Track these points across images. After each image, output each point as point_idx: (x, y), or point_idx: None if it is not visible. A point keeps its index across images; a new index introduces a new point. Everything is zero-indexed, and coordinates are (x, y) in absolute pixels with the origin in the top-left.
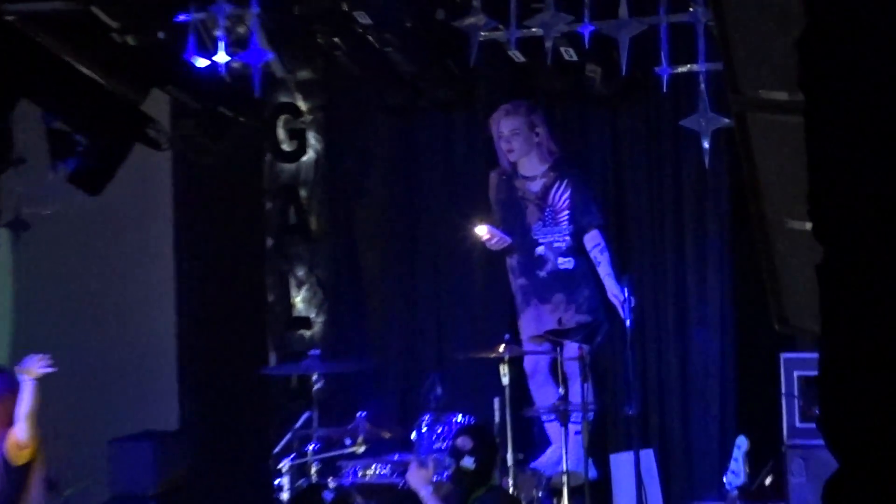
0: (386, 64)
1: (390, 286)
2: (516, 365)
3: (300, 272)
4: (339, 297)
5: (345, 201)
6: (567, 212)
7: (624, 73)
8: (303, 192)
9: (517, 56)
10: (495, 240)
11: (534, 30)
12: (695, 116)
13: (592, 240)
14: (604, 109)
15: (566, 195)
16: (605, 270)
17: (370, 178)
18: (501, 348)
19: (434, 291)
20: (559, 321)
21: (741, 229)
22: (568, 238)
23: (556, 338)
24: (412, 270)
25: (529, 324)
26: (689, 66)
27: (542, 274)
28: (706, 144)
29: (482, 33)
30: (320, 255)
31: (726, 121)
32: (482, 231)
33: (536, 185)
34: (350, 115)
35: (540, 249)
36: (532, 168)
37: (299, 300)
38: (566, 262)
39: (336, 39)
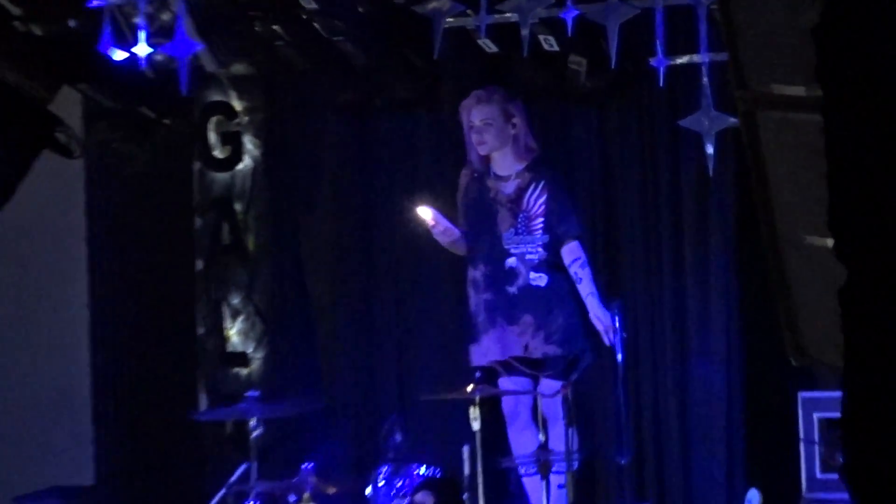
0: (336, 56)
1: (343, 314)
2: (490, 407)
3: (236, 300)
4: (282, 328)
5: (289, 216)
6: (541, 219)
7: (613, 66)
8: (238, 207)
9: (488, 46)
10: (440, 228)
11: (508, 15)
12: (696, 116)
13: (571, 253)
14: (590, 108)
15: (541, 200)
16: (587, 289)
17: (319, 188)
18: (471, 387)
19: (395, 319)
20: (525, 347)
21: (750, 246)
22: (541, 250)
23: (523, 367)
24: (369, 295)
25: (492, 346)
26: (688, 56)
27: (512, 290)
28: (709, 148)
29: (448, 19)
30: (260, 279)
31: (732, 120)
32: (426, 214)
33: (510, 187)
34: (294, 116)
35: (511, 261)
36: (506, 166)
37: (235, 332)
38: (538, 279)
39: (277, 27)
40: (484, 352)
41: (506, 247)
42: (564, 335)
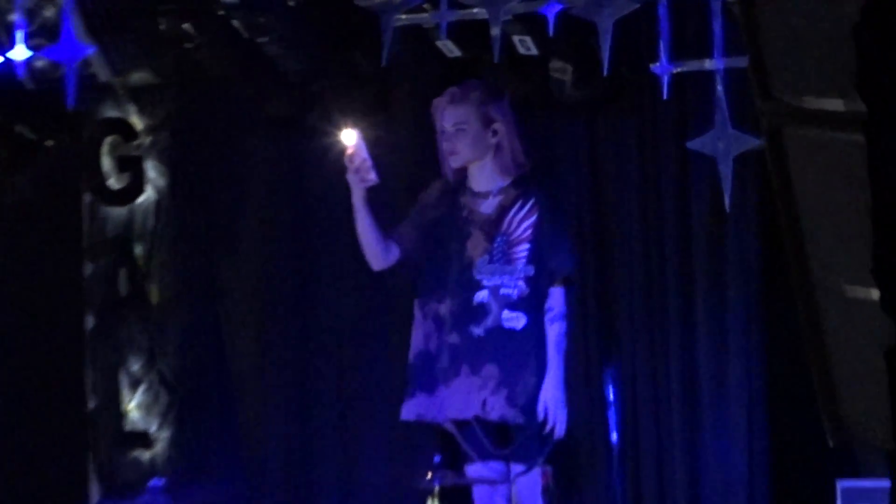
0: (261, 61)
1: (271, 383)
2: (454, 499)
3: (135, 365)
4: (193, 401)
5: (202, 258)
6: (526, 246)
7: (605, 73)
8: (139, 249)
9: (450, 49)
10: (358, 161)
11: (474, 11)
12: (709, 135)
13: (549, 299)
14: (576, 125)
15: (529, 222)
16: (550, 354)
17: (240, 225)
18: (430, 475)
19: (335, 389)
20: (483, 404)
21: (777, 297)
22: (522, 284)
23: (482, 434)
24: (303, 360)
25: (452, 400)
26: (699, 61)
27: (478, 331)
28: (726, 176)
29: (399, 16)
30: (165, 338)
31: (755, 141)
32: (349, 139)
33: (489, 205)
34: (208, 136)
35: (482, 295)
36: (485, 181)
37: (134, 406)
38: (513, 319)
39: (187, 26)
40: (439, 406)
41: (477, 277)
42: (533, 399)
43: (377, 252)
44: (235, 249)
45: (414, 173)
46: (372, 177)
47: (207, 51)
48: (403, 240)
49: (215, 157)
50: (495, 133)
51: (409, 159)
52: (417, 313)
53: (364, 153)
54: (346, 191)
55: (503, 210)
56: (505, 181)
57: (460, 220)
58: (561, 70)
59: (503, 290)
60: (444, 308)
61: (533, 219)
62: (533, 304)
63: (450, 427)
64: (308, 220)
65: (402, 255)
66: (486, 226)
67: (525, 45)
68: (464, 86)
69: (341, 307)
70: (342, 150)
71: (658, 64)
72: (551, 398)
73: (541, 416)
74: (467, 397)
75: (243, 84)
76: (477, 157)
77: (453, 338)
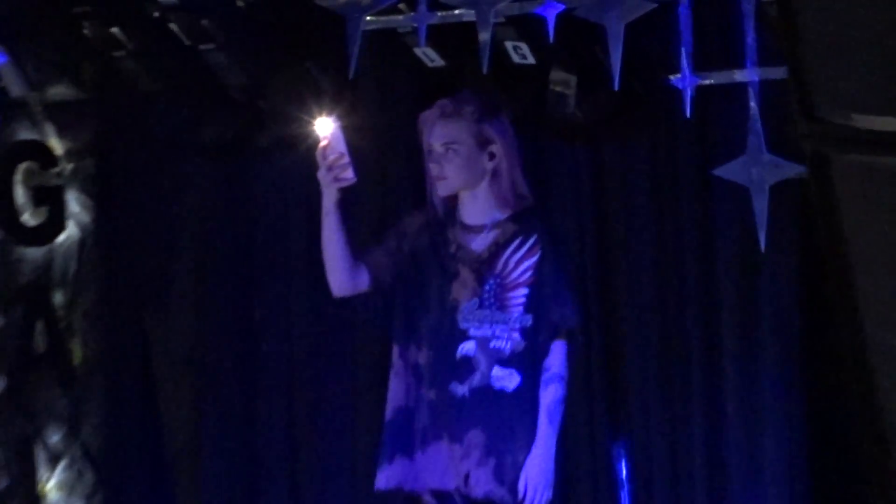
0: (204, 72)
1: (212, 449)
2: None
3: (54, 437)
4: (122, 478)
5: (132, 309)
6: (524, 290)
7: (615, 87)
8: (58, 297)
9: (430, 58)
10: (334, 156)
11: (459, 12)
12: (740, 161)
13: (549, 357)
14: (581, 148)
15: (529, 263)
16: (541, 421)
17: (178, 265)
18: None
19: (289, 454)
20: (466, 478)
21: (820, 355)
22: (517, 336)
23: None
24: (251, 421)
25: (431, 468)
26: (728, 72)
27: (462, 390)
28: (761, 209)
29: (370, 18)
30: (90, 404)
31: (796, 168)
32: (324, 129)
33: (482, 242)
34: (141, 162)
35: (467, 347)
36: (478, 213)
37: (54, 486)
38: (504, 378)
39: (116, 31)
40: (415, 473)
41: (462, 325)
42: (517, 475)
43: (344, 271)
44: (171, 298)
45: (386, 205)
46: (348, 175)
47: (140, 60)
48: (375, 266)
49: (149, 186)
50: (492, 156)
51: (379, 189)
52: (397, 362)
53: (341, 146)
54: (303, 227)
55: (498, 248)
56: (502, 214)
57: (446, 256)
58: (562, 83)
59: (494, 343)
60: (424, 357)
61: (533, 259)
62: (528, 361)
63: (428, 500)
64: (256, 260)
65: (373, 282)
66: (477, 265)
67: (520, 53)
68: (457, 98)
69: (294, 364)
70: (314, 143)
71: (679, 76)
72: (535, 475)
73: (520, 493)
74: (448, 467)
75: (182, 100)
76: (470, 183)
77: (432, 395)
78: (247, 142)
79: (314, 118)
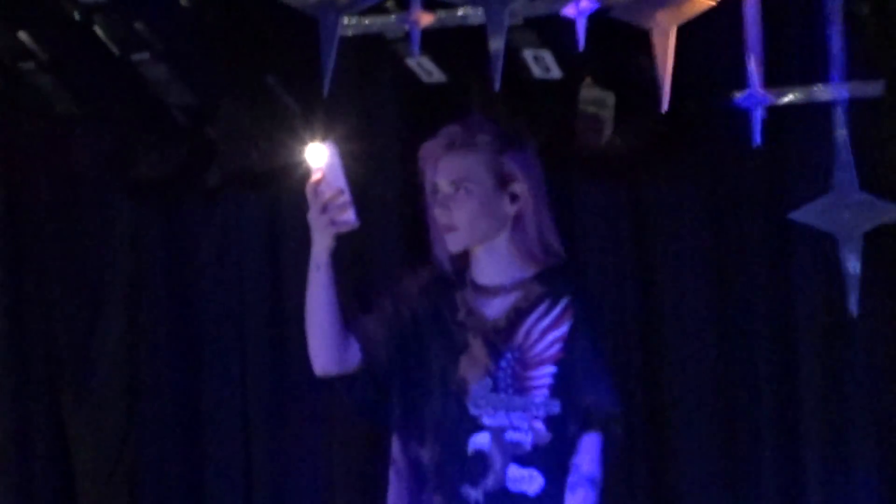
0: (137, 90)
1: None
2: None
3: None
4: None
5: (45, 392)
6: (551, 369)
7: (663, 108)
8: None
9: (427, 70)
10: (330, 193)
11: (463, 13)
12: (825, 201)
13: (580, 453)
14: (620, 186)
15: (557, 334)
16: None
17: (102, 334)
18: None
19: None
20: None
21: None
22: (540, 426)
23: None
24: None
25: None
26: (807, 88)
27: (477, 495)
28: (853, 264)
29: (347, 20)
30: None
31: None
32: (317, 158)
33: (498, 307)
34: (55, 202)
35: (480, 440)
36: (495, 271)
37: None
38: (524, 479)
39: (25, 37)
40: None
41: (473, 411)
42: None
43: (332, 344)
44: (92, 373)
45: (373, 262)
46: (348, 217)
47: (55, 74)
48: (367, 339)
49: (65, 234)
50: (514, 198)
51: (365, 242)
52: (398, 457)
53: (340, 181)
54: (263, 287)
55: (518, 314)
56: (525, 272)
57: (453, 324)
58: (596, 102)
59: (511, 435)
60: (427, 454)
61: (562, 330)
62: (554, 459)
63: None
64: (202, 331)
65: (365, 359)
66: (492, 336)
67: (542, 65)
68: (468, 124)
69: (253, 462)
70: (305, 176)
71: (745, 93)
72: None
73: None
74: None
75: (109, 125)
76: (486, 234)
77: (440, 501)
78: (191, 179)
79: (303, 144)
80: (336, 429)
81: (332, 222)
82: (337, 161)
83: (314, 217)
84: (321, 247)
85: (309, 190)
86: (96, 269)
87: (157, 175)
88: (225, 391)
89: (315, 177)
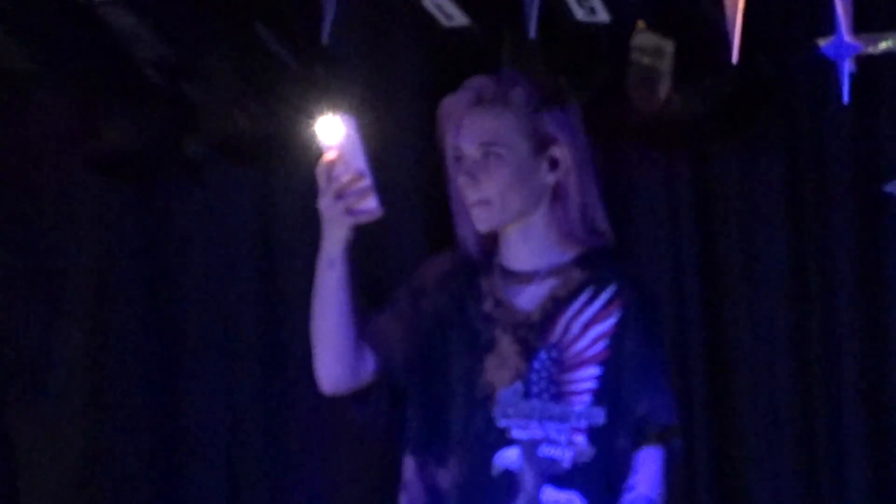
0: (105, 44)
1: None
2: None
3: None
4: None
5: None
6: (595, 370)
7: (734, 61)
8: None
9: (448, 14)
10: (348, 176)
11: None
12: None
13: (636, 473)
14: (680, 157)
15: (603, 329)
16: None
17: (60, 335)
18: None
19: None
20: None
21: None
22: (583, 439)
23: None
24: None
25: None
26: None
27: None
28: None
29: None
30: None
31: None
32: (332, 133)
33: (531, 296)
34: (11, 175)
35: (509, 456)
36: (529, 253)
37: None
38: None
39: None
40: None
41: (501, 422)
42: None
43: (345, 358)
44: (47, 384)
45: (386, 248)
46: (370, 205)
47: (10, 27)
48: (382, 342)
49: (18, 217)
50: (554, 165)
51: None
52: (412, 480)
53: (359, 161)
54: (251, 281)
55: (556, 305)
56: (564, 255)
57: (478, 317)
58: (653, 53)
59: (546, 450)
60: (445, 476)
61: (609, 324)
62: (599, 479)
63: None
64: (180, 332)
65: (381, 366)
66: (524, 331)
67: (586, 6)
68: (498, 77)
69: (238, 483)
70: (309, 151)
71: (831, 40)
72: None
73: None
74: None
75: (72, 86)
76: (521, 209)
77: None
78: (167, 148)
79: (314, 117)
80: (339, 450)
81: (350, 211)
82: (356, 137)
83: (328, 205)
84: (335, 240)
85: (321, 172)
86: (54, 258)
87: (127, 145)
88: (208, 406)
89: (329, 157)
